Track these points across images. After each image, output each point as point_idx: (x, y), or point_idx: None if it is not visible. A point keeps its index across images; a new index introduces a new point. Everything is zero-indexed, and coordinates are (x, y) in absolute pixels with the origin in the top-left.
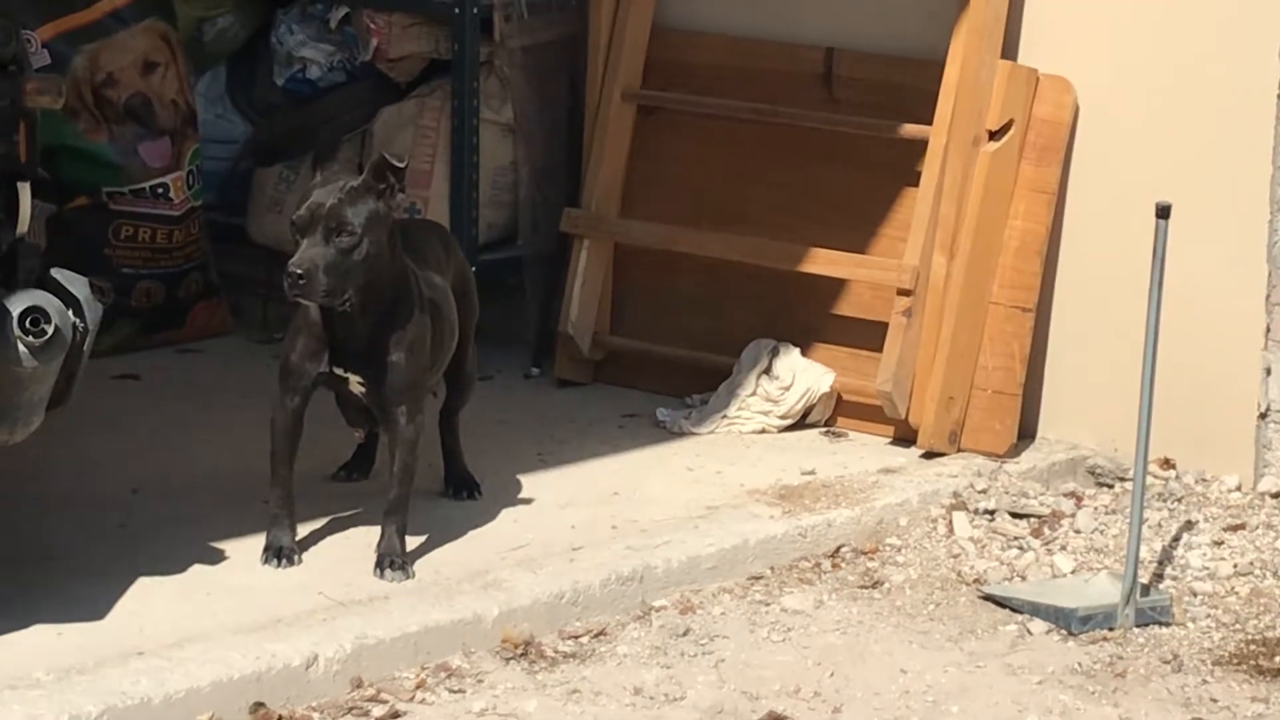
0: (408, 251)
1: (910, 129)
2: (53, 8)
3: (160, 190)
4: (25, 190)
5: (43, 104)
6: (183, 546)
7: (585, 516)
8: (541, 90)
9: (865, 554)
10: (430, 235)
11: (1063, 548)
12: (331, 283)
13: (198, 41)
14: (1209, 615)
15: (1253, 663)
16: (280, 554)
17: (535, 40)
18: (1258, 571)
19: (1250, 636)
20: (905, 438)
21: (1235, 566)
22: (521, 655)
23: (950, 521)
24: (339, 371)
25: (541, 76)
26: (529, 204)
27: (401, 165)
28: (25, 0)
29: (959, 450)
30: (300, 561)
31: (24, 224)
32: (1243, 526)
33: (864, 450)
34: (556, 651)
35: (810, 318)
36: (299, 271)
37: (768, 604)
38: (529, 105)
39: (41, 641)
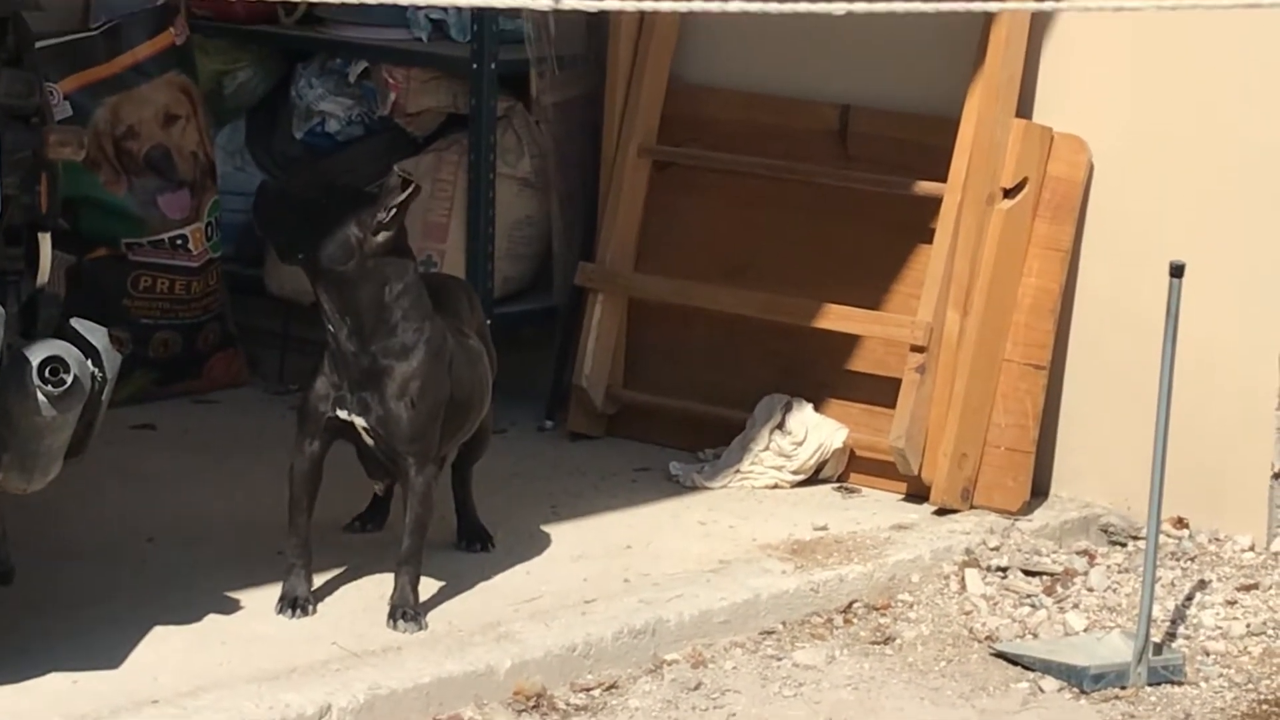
0: (437, 307)
1: (925, 186)
2: (75, 60)
3: (179, 241)
4: (46, 240)
5: (64, 155)
6: (198, 595)
7: (598, 569)
8: (571, 144)
9: (877, 610)
10: (458, 291)
11: (1075, 606)
12: (275, 209)
13: (218, 94)
14: (1221, 675)
15: None
16: (295, 604)
17: (566, 96)
18: (1270, 631)
19: (1263, 697)
20: (918, 494)
21: (1248, 626)
22: (534, 707)
23: (963, 578)
24: (343, 415)
25: (570, 131)
26: (561, 257)
27: (409, 182)
28: (48, 53)
29: (972, 507)
30: (315, 611)
31: (44, 274)
32: (1256, 586)
33: (877, 506)
34: (568, 704)
35: (824, 373)
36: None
37: (780, 659)
38: (562, 159)
39: (57, 689)
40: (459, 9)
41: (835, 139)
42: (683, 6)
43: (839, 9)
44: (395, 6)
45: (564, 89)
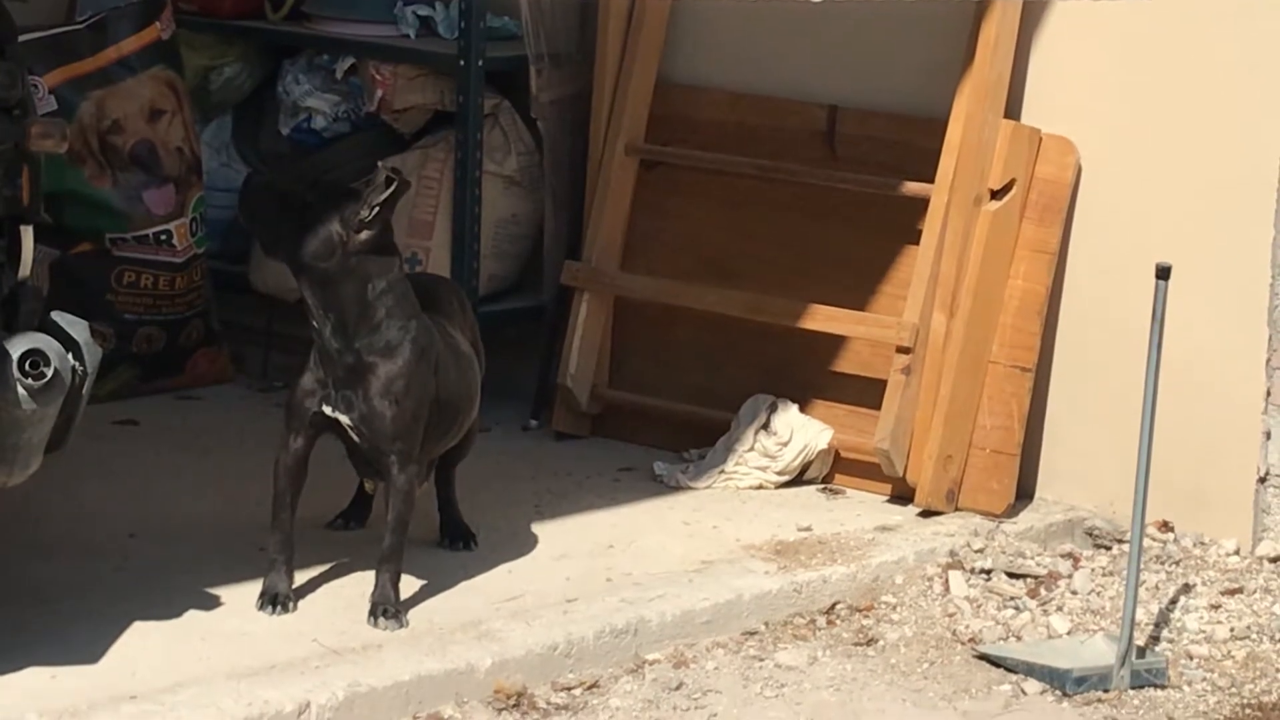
0: (430, 308)
1: (912, 187)
2: (60, 54)
3: (163, 237)
4: (28, 233)
5: (46, 148)
6: (178, 591)
7: (580, 569)
8: (565, 143)
9: (860, 611)
10: (449, 294)
11: (1059, 608)
12: (260, 201)
13: (204, 90)
14: (1205, 679)
15: None
16: (276, 600)
17: (560, 94)
18: (1254, 636)
19: (1246, 701)
20: (903, 496)
21: (1232, 630)
22: (514, 706)
23: (946, 580)
24: (329, 411)
25: (563, 129)
26: (553, 256)
27: (393, 179)
28: (33, 46)
29: (956, 509)
30: (295, 608)
31: (26, 267)
32: (1240, 590)
33: (861, 508)
34: (549, 703)
35: (809, 374)
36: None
37: (761, 659)
38: (555, 158)
39: (35, 684)
40: (446, 6)
41: (822, 139)
42: None
43: None
44: None
45: (558, 87)
